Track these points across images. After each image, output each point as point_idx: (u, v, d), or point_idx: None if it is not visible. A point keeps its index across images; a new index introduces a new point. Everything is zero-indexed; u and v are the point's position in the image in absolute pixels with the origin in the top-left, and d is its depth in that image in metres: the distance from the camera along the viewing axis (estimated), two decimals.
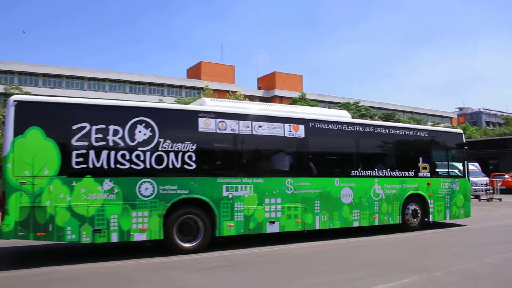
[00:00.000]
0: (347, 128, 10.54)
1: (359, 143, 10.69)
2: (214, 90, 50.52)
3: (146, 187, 8.20)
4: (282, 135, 9.60)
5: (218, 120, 8.90)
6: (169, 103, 8.91)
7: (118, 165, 8.07)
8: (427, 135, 11.88)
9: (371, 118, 52.48)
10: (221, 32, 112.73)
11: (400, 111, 71.17)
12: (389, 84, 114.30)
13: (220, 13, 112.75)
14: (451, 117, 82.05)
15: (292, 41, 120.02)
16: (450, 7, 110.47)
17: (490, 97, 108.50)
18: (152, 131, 8.33)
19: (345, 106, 53.50)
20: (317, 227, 9.87)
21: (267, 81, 71.40)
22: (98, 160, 7.96)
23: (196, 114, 8.81)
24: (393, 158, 11.29)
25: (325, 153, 10.48)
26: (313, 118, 10.12)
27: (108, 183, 7.96)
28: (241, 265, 7.43)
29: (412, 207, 11.28)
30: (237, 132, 9.11)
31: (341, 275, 6.44)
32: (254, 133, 9.26)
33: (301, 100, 52.80)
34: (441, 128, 13.47)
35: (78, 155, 7.83)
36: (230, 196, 8.87)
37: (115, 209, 8.00)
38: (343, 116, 11.02)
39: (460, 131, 13.21)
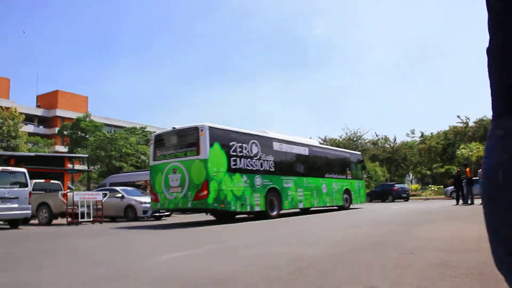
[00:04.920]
0: (322, 150, 19.94)
1: (327, 158, 20.31)
2: None
3: (258, 180, 15.61)
4: (301, 153, 18.18)
5: (279, 143, 16.94)
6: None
7: (247, 167, 15.40)
8: (349, 155, 22.09)
9: None
10: None
11: None
12: (174, 112, 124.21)
13: None
14: None
15: (79, 61, 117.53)
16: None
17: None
18: (258, 148, 15.81)
19: (131, 130, 58.44)
20: (315, 205, 18.80)
21: (48, 100, 71.15)
22: (240, 163, 15.08)
23: (272, 139, 16.68)
24: (338, 167, 21.12)
25: (316, 163, 19.71)
26: (311, 144, 19.20)
27: (244, 177, 15.19)
28: None
29: (345, 195, 21.10)
30: (285, 151, 17.33)
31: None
32: (291, 151, 17.64)
33: (85, 121, 55.73)
34: (353, 151, 23.97)
35: (233, 160, 14.84)
36: (286, 186, 17.07)
37: (248, 192, 15.34)
38: (317, 143, 20.12)
39: (359, 153, 23.89)
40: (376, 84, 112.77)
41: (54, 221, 18.26)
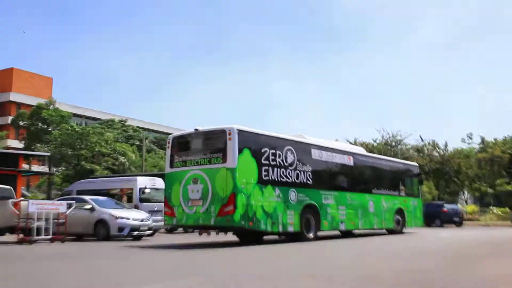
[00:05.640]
0: (371, 159, 21.82)
1: (376, 169, 22.41)
2: None
3: (292, 194, 17.24)
4: (345, 162, 20.07)
5: (318, 150, 18.59)
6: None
7: (281, 178, 17.05)
8: (403, 166, 23.93)
9: (140, 141, 59.85)
10: None
11: None
12: (165, 103, 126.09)
13: None
14: None
15: (42, 32, 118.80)
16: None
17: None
18: (293, 156, 17.50)
19: (108, 123, 60.90)
20: (360, 227, 20.50)
21: (0, 80, 72.15)
22: (273, 174, 16.73)
23: (310, 146, 18.44)
24: (389, 181, 23.26)
25: (362, 176, 21.56)
26: (356, 152, 20.83)
27: (277, 191, 16.79)
28: None
29: (397, 216, 23.21)
30: (326, 160, 19.10)
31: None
32: (333, 160, 19.52)
33: (48, 109, 57.25)
34: (408, 162, 25.64)
35: (265, 170, 16.48)
36: (325, 203, 18.72)
37: (281, 208, 16.85)
38: (363, 150, 21.70)
39: (416, 164, 25.57)
40: (422, 72, 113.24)
41: (0, 238, 18.14)
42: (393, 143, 62.10)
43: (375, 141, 61.63)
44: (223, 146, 15.77)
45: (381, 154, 55.66)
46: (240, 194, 15.35)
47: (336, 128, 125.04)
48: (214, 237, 19.91)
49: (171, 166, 16.98)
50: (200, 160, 16.22)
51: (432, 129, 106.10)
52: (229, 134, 15.66)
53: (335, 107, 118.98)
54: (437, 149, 60.46)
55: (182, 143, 17.24)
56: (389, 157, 26.52)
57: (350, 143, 58.46)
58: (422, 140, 60.92)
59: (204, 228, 18.29)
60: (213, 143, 16.33)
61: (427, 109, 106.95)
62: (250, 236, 17.53)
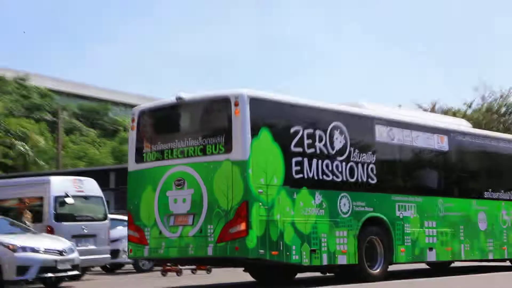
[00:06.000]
0: (481, 141, 18.01)
1: (490, 158, 18.39)
2: None
3: (344, 203, 13.72)
4: (433, 147, 16.39)
5: (387, 127, 15.17)
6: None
7: (323, 176, 13.39)
8: None
9: (54, 115, 52.21)
10: None
11: (116, 102, 65.89)
12: (101, 48, 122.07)
13: None
14: None
15: None
16: None
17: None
18: (344, 138, 13.94)
19: None
20: (463, 257, 16.79)
21: None
22: (310, 170, 13.11)
23: (373, 120, 14.95)
24: None
25: (465, 170, 17.63)
26: (454, 128, 17.35)
27: (318, 197, 13.23)
28: None
29: None
30: (400, 143, 15.49)
31: None
32: (413, 143, 15.76)
33: None
34: None
35: (296, 163, 12.86)
36: (401, 216, 15.12)
37: (325, 227, 13.24)
38: (465, 125, 18.67)
39: None
40: None
41: None
42: (503, 109, 52.88)
43: (469, 107, 52.24)
44: (226, 125, 12.24)
45: (481, 128, 46.27)
46: (256, 204, 11.77)
47: (400, 86, 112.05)
48: (189, 278, 16.52)
49: (139, 159, 13.55)
50: (188, 149, 12.81)
51: None
52: (236, 104, 12.03)
53: (396, 54, 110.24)
54: None
55: (156, 121, 13.97)
56: None
57: (421, 107, 49.65)
58: None
59: (197, 262, 14.70)
60: (209, 120, 13.14)
61: None
62: (273, 273, 14.40)
